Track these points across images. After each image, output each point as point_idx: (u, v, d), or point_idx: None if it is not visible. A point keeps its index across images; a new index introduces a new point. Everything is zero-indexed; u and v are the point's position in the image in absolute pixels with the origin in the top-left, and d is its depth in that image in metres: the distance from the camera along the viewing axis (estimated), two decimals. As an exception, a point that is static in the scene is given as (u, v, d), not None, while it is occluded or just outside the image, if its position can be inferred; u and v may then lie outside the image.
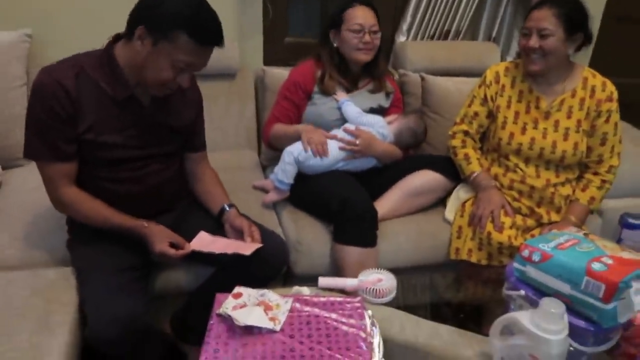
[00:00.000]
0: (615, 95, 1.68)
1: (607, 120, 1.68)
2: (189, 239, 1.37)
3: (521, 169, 1.73)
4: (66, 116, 1.24)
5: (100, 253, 1.33)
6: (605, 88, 1.68)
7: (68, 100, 1.23)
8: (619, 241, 1.70)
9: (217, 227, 1.46)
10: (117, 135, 1.31)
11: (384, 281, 1.28)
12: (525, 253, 1.13)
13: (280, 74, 2.10)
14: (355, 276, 1.30)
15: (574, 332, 1.00)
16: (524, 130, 1.72)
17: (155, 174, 1.40)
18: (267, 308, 1.12)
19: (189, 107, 1.45)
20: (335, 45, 1.85)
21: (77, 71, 1.25)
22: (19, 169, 1.88)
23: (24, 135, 1.29)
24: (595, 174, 1.73)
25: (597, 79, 1.70)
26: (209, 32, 1.22)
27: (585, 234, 1.18)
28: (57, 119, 1.23)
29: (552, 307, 0.95)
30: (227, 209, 1.47)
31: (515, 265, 1.16)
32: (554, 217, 1.72)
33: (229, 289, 1.18)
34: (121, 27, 1.31)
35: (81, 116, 1.26)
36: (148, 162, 1.38)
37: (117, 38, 1.30)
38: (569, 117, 1.69)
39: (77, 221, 1.38)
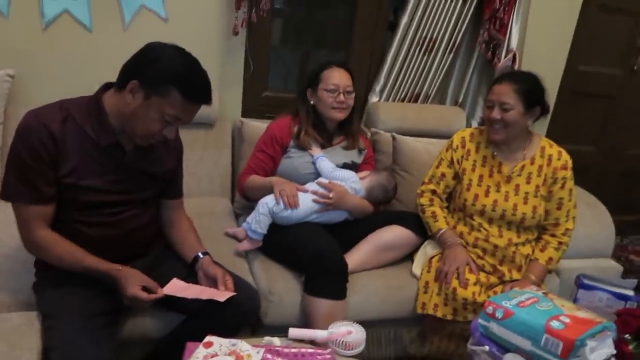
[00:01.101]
0: (570, 163, 1.82)
1: (562, 187, 1.80)
2: (162, 284, 1.37)
3: (485, 229, 1.82)
4: (48, 158, 1.25)
5: (69, 297, 1.31)
6: (560, 157, 1.82)
7: (52, 143, 1.25)
8: (575, 301, 1.77)
9: (190, 274, 1.47)
10: (98, 180, 1.32)
11: (353, 334, 1.30)
12: (489, 310, 1.19)
13: (257, 126, 2.17)
14: (325, 327, 1.32)
15: (534, 388, 1.05)
16: (487, 192, 1.82)
17: (131, 219, 1.41)
18: (239, 358, 1.13)
19: (170, 155, 1.49)
20: (312, 102, 1.95)
21: (64, 115, 1.28)
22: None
23: (3, 176, 1.30)
24: (553, 235, 1.84)
25: (553, 149, 1.84)
26: (200, 91, 1.29)
27: (544, 293, 1.25)
28: (39, 160, 1.25)
29: (514, 363, 1.00)
30: (201, 256, 1.49)
31: (480, 321, 1.21)
32: (515, 275, 1.80)
33: (198, 338, 1.18)
34: (104, 75, 1.36)
35: (63, 159, 1.27)
36: (126, 207, 1.40)
37: (106, 87, 1.35)
38: (528, 182, 1.81)
39: (46, 264, 1.36)
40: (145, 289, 1.31)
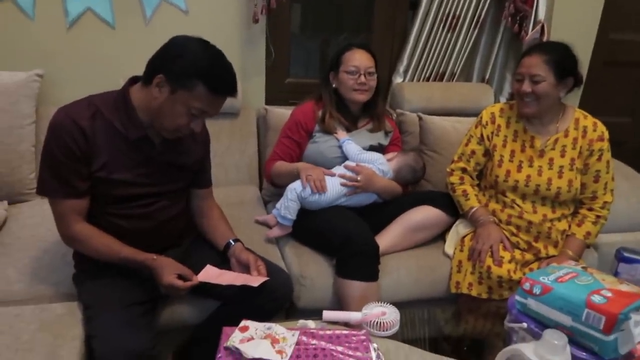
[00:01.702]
0: (606, 134, 1.75)
1: (599, 159, 1.74)
2: (196, 272, 1.39)
3: (518, 205, 1.78)
4: (81, 154, 1.28)
5: (108, 288, 1.35)
6: (596, 128, 1.75)
7: (83, 139, 1.28)
8: (615, 275, 1.72)
9: (223, 261, 1.49)
10: (129, 173, 1.35)
11: (387, 314, 1.30)
12: (527, 286, 1.16)
13: (281, 113, 2.17)
14: (358, 309, 1.32)
15: (576, 363, 1.03)
16: (519, 168, 1.78)
17: (163, 211, 1.44)
18: (274, 341, 1.14)
19: (197, 146, 1.50)
20: (334, 86, 1.93)
21: (93, 111, 1.30)
22: (25, 204, 1.90)
23: (38, 173, 1.33)
24: (590, 209, 1.78)
25: (588, 120, 1.77)
26: (224, 83, 1.29)
27: (583, 268, 1.22)
28: (72, 157, 1.28)
29: (555, 338, 0.98)
30: (233, 243, 1.50)
31: (517, 298, 1.19)
32: (552, 251, 1.76)
33: (233, 323, 1.19)
34: (129, 71, 1.38)
35: (95, 154, 1.30)
36: (157, 199, 1.42)
37: (133, 81, 1.36)
38: (562, 155, 1.75)
39: (84, 256, 1.40)
40: (180, 277, 1.34)
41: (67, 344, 1.26)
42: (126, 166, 1.34)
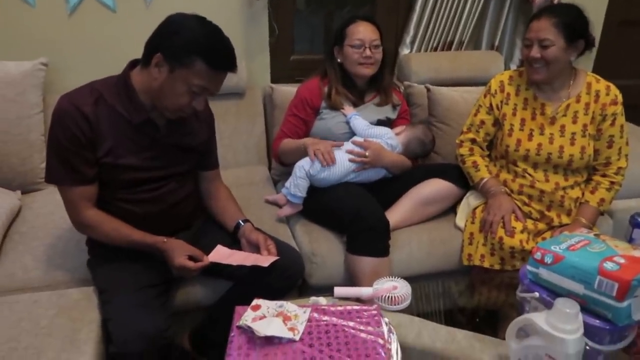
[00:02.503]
0: (620, 98, 1.70)
1: (612, 124, 1.70)
2: (207, 254, 1.40)
3: (530, 174, 1.75)
4: (86, 141, 1.28)
5: (121, 272, 1.36)
6: (609, 92, 1.70)
7: (87, 126, 1.28)
8: (630, 241, 1.70)
9: (233, 242, 1.49)
10: (135, 158, 1.35)
11: (398, 289, 1.30)
12: (538, 255, 1.15)
13: (287, 90, 2.14)
14: (370, 285, 1.32)
15: (589, 332, 1.02)
16: (530, 136, 1.74)
17: (171, 194, 1.44)
18: (286, 318, 1.15)
19: (202, 127, 1.49)
20: (339, 60, 1.90)
21: (95, 97, 1.30)
22: (38, 192, 1.93)
23: (46, 161, 1.34)
24: (604, 175, 1.75)
25: (600, 84, 1.72)
26: (223, 58, 1.27)
27: (596, 235, 1.20)
28: (77, 143, 1.28)
29: (567, 307, 0.97)
30: (242, 224, 1.50)
31: (528, 267, 1.17)
32: (565, 219, 1.74)
33: (247, 302, 1.20)
34: (132, 54, 1.37)
35: (100, 140, 1.30)
36: (164, 182, 1.42)
37: (133, 64, 1.35)
38: (574, 122, 1.71)
39: (97, 241, 1.42)
40: (191, 258, 1.35)
41: (85, 328, 1.29)
42: (131, 151, 1.35)
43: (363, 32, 1.83)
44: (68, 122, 1.27)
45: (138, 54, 1.34)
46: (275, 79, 2.38)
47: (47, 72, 1.97)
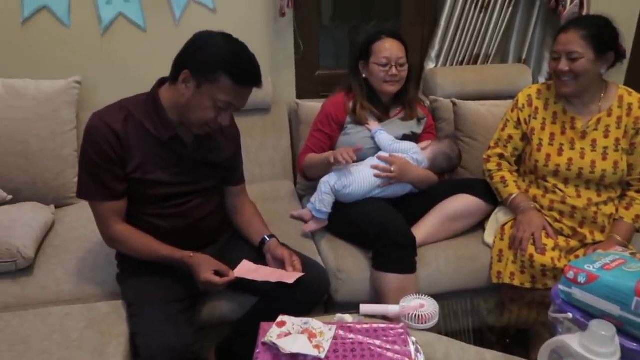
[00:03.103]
0: (654, 111, 1.66)
1: (646, 137, 1.65)
2: (232, 269, 1.41)
3: (560, 190, 1.71)
4: (116, 157, 1.32)
5: (149, 286, 1.38)
6: (642, 105, 1.66)
7: (117, 143, 1.31)
8: (669, 260, 1.64)
9: (259, 257, 1.50)
10: (162, 173, 1.37)
11: (426, 307, 1.28)
12: (570, 275, 1.11)
13: (313, 106, 2.16)
14: (396, 302, 1.31)
15: (626, 355, 0.98)
16: (560, 151, 1.71)
17: (198, 208, 1.46)
18: (311, 336, 1.14)
19: (228, 143, 1.51)
20: (364, 76, 1.90)
21: (125, 114, 1.34)
22: (70, 207, 1.98)
23: (78, 177, 1.38)
24: (639, 191, 1.69)
25: (633, 97, 1.68)
26: (248, 74, 1.30)
27: (632, 254, 1.16)
28: (107, 160, 1.31)
29: (602, 329, 0.93)
30: (268, 239, 1.51)
31: (561, 287, 1.14)
32: (598, 236, 1.69)
33: (272, 318, 1.20)
34: (162, 72, 1.40)
35: (129, 157, 1.33)
36: (191, 197, 1.45)
37: (161, 82, 1.39)
38: (606, 136, 1.67)
39: (126, 256, 1.45)
40: (217, 273, 1.36)
41: (113, 341, 1.31)
42: (160, 166, 1.37)
43: (389, 49, 1.83)
44: (99, 139, 1.30)
45: (167, 71, 1.37)
46: (301, 94, 2.40)
47: (80, 90, 2.04)
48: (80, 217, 1.87)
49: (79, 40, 2.10)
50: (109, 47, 2.14)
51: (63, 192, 1.97)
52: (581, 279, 1.09)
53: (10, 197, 1.83)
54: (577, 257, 1.65)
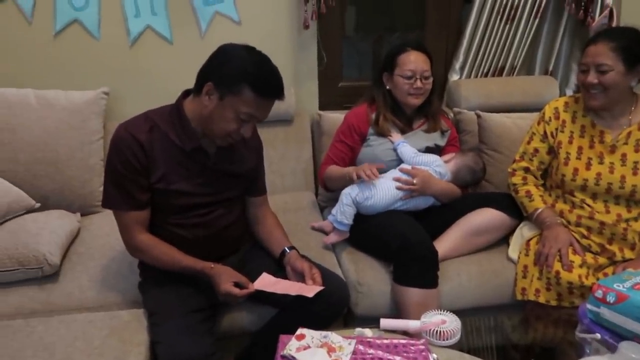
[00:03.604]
0: (687, 125, 1.61)
1: (679, 152, 1.60)
2: (252, 280, 1.41)
3: (588, 205, 1.67)
4: (141, 167, 1.34)
5: (170, 295, 1.40)
6: (675, 118, 1.61)
7: (142, 153, 1.33)
8: None
9: (279, 269, 1.50)
10: (186, 184, 1.39)
11: (447, 323, 1.26)
12: (599, 294, 1.08)
13: (335, 117, 2.16)
14: (417, 317, 1.29)
15: (658, 380, 0.94)
16: (588, 165, 1.66)
17: (220, 219, 1.47)
18: (331, 350, 1.13)
19: (250, 154, 1.53)
20: (387, 87, 1.90)
21: (150, 125, 1.36)
22: (96, 215, 2.02)
23: (103, 187, 1.41)
24: (671, 207, 1.64)
25: (665, 110, 1.63)
26: (271, 86, 1.31)
27: (664, 273, 1.12)
28: (132, 170, 1.34)
29: (632, 351, 0.91)
30: (288, 251, 1.51)
31: (589, 306, 1.11)
32: (628, 254, 1.63)
33: (291, 330, 1.20)
34: (187, 83, 1.42)
35: (154, 167, 1.36)
36: (214, 207, 1.46)
37: (186, 94, 1.41)
38: (637, 150, 1.62)
39: (148, 265, 1.46)
40: (237, 284, 1.36)
41: (134, 350, 1.32)
42: (183, 176, 1.39)
43: (414, 62, 1.82)
44: (124, 150, 1.33)
45: (193, 83, 1.39)
46: (324, 105, 2.40)
47: (108, 100, 2.08)
48: (105, 225, 1.90)
49: (107, 52, 2.16)
50: (136, 59, 2.19)
51: (89, 200, 2.01)
52: (610, 298, 1.06)
53: (38, 204, 1.88)
54: (605, 275, 1.60)
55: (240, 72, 1.27)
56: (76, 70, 2.15)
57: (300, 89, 2.33)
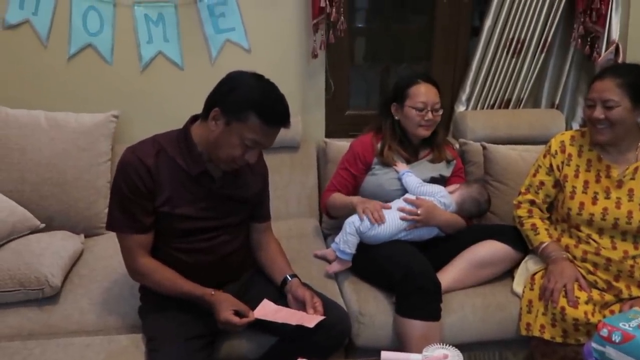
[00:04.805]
0: (695, 162, 1.60)
1: (687, 189, 1.59)
2: (253, 307, 1.40)
3: (595, 240, 1.65)
4: (146, 191, 1.35)
5: (170, 321, 1.38)
6: (682, 155, 1.60)
7: (148, 177, 1.34)
8: None
9: (280, 296, 1.49)
10: (190, 208, 1.40)
11: (450, 358, 1.23)
12: (604, 332, 1.06)
13: (341, 145, 2.17)
14: (419, 350, 1.26)
15: None
16: (595, 200, 1.65)
17: (224, 245, 1.47)
18: (330, 382, 1.11)
19: (256, 180, 1.53)
20: (396, 118, 1.91)
21: (157, 149, 1.38)
22: (100, 237, 2.02)
23: (108, 209, 1.42)
24: (679, 245, 1.62)
25: (672, 146, 1.63)
26: (276, 114, 1.32)
27: (671, 313, 1.10)
28: (138, 193, 1.35)
29: (638, 395, 0.88)
30: (290, 279, 1.50)
31: (594, 345, 1.09)
32: (635, 292, 1.60)
33: (291, 359, 1.18)
34: (197, 108, 1.43)
35: (159, 190, 1.36)
36: (218, 232, 1.46)
37: (194, 119, 1.43)
38: (644, 185, 1.62)
39: (149, 289, 1.46)
40: (237, 313, 1.35)
41: (131, 376, 1.30)
42: (188, 201, 1.39)
43: (426, 94, 1.83)
44: (131, 173, 1.34)
45: (201, 108, 1.41)
46: (330, 133, 2.42)
47: (117, 123, 2.11)
48: (109, 247, 1.89)
49: (119, 76, 2.20)
50: (147, 83, 2.23)
51: (94, 222, 2.02)
52: (616, 337, 1.04)
53: (43, 225, 1.88)
54: (612, 312, 1.57)
55: (246, 99, 1.29)
56: (88, 94, 2.20)
57: (308, 117, 2.35)
